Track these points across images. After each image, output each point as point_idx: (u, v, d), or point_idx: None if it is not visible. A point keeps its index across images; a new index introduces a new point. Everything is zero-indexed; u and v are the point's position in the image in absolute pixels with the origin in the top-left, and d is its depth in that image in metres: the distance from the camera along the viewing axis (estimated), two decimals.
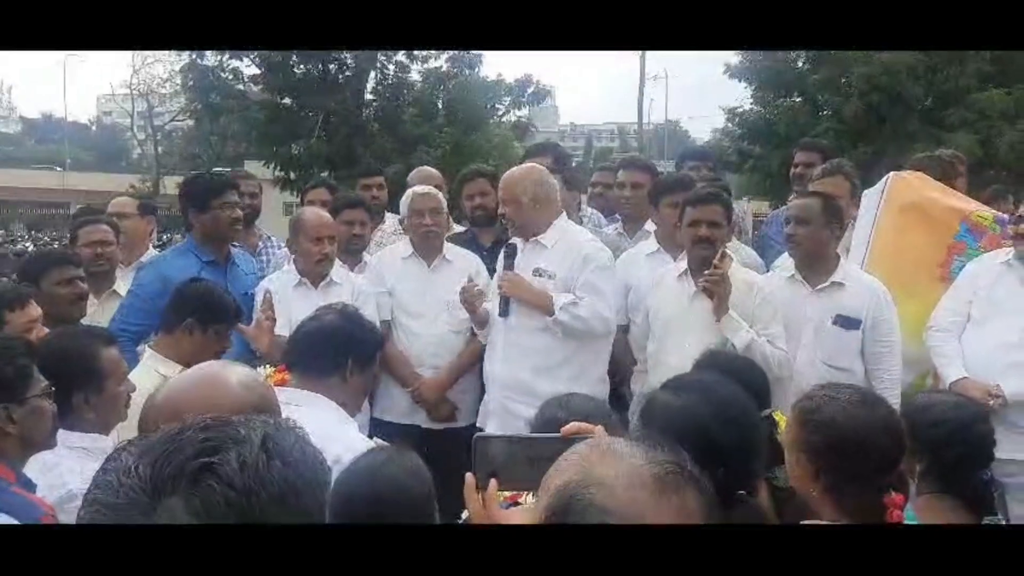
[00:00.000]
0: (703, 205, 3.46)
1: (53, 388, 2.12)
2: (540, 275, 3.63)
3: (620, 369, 3.97)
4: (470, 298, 3.68)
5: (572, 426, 1.38)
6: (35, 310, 2.89)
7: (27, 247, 18.11)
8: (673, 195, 3.85)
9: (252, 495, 0.90)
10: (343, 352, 2.44)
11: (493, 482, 1.36)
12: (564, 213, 3.79)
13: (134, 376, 2.82)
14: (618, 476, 1.06)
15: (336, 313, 2.57)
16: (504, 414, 3.64)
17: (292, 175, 18.25)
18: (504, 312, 3.67)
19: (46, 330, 2.80)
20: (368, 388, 2.62)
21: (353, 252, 4.13)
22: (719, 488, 1.66)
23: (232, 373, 1.54)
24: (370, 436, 3.54)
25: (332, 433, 2.23)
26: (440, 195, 4.11)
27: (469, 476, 1.37)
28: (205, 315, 2.99)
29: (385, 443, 2.50)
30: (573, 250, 3.63)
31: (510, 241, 3.76)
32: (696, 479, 1.09)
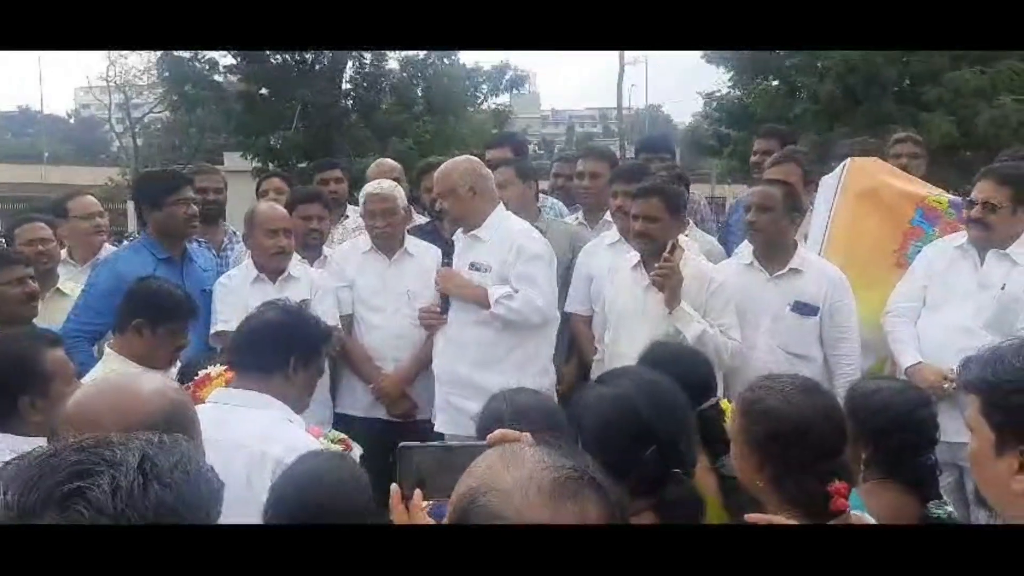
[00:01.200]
0: (641, 199, 3.46)
1: None
2: (476, 269, 3.65)
3: (584, 358, 3.98)
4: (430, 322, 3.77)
5: (497, 434, 1.38)
6: None
7: (2, 242, 17.87)
8: (625, 184, 3.85)
9: (123, 520, 0.88)
10: (285, 350, 2.38)
11: (418, 492, 1.35)
12: (501, 204, 3.77)
13: (92, 376, 2.79)
14: (516, 482, 1.06)
15: (277, 309, 2.51)
16: (450, 409, 3.65)
17: (271, 165, 18.15)
18: (444, 308, 3.71)
19: None
20: (314, 384, 2.55)
21: (311, 246, 4.10)
22: (652, 467, 1.67)
23: (144, 381, 1.52)
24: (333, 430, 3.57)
25: (273, 433, 2.21)
26: (395, 193, 4.05)
27: (394, 486, 1.37)
28: (154, 314, 2.94)
29: (331, 447, 2.44)
30: (506, 241, 3.63)
31: (450, 239, 3.74)
32: (598, 486, 1.07)
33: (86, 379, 2.69)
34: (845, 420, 2.05)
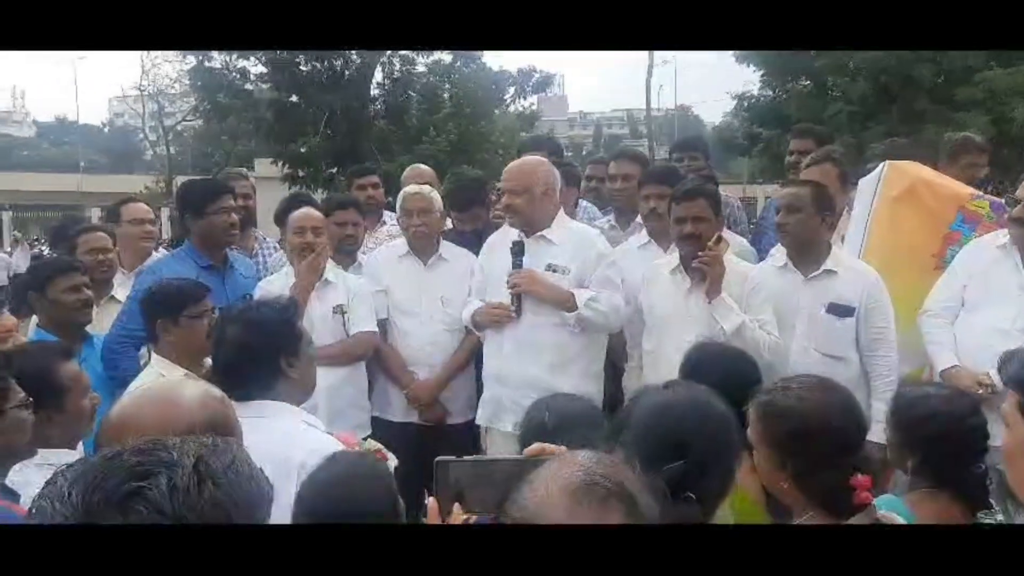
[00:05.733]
0: (687, 201, 3.43)
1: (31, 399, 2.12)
2: (554, 271, 3.60)
3: (615, 366, 3.97)
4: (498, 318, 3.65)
5: (535, 447, 1.39)
6: (9, 320, 2.90)
7: (43, 251, 18.21)
8: (657, 186, 3.85)
9: (181, 519, 0.92)
10: (272, 357, 2.27)
11: (456, 507, 1.35)
12: (562, 207, 3.78)
13: (141, 380, 2.83)
14: (549, 478, 1.09)
15: (235, 325, 2.36)
16: (521, 412, 3.62)
17: (300, 172, 18.31)
18: (518, 310, 3.61)
19: (24, 338, 2.81)
20: (313, 357, 2.39)
21: (346, 252, 4.14)
22: (675, 480, 1.66)
23: (186, 389, 1.54)
24: (371, 434, 3.59)
25: (295, 440, 2.21)
26: (431, 194, 4.10)
27: (432, 501, 1.36)
28: (168, 309, 2.97)
29: (357, 451, 2.41)
30: (584, 245, 3.63)
31: (516, 239, 3.64)
32: (629, 499, 1.08)
33: (133, 385, 2.77)
34: (862, 414, 2.05)
